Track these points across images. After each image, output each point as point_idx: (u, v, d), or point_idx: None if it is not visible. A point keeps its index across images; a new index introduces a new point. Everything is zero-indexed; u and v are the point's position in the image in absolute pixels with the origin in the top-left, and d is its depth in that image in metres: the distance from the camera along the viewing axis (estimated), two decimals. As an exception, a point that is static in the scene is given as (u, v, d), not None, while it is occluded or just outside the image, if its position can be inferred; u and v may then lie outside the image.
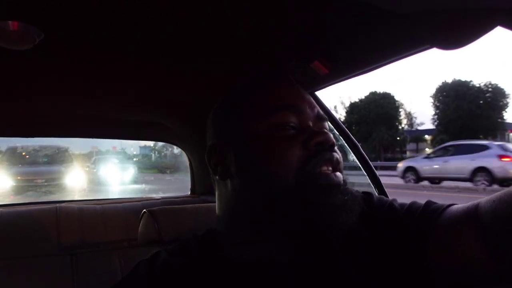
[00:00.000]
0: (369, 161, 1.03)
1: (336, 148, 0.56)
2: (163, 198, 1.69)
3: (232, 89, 0.64)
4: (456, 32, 0.58)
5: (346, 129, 1.03)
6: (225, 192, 0.59)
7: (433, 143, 26.87)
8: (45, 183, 7.89)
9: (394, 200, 0.63)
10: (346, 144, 1.03)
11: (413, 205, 0.59)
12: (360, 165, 1.03)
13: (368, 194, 0.65)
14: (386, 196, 1.05)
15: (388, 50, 0.74)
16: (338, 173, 0.54)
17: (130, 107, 1.32)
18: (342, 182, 0.54)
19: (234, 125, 0.59)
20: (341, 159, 0.56)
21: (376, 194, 1.06)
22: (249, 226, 0.57)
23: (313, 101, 0.60)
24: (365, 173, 1.03)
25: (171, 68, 0.93)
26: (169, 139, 1.80)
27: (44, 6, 0.60)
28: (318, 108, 0.60)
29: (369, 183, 1.03)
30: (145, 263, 0.55)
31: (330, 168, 0.54)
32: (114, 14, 0.63)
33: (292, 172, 0.52)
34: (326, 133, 0.55)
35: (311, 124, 0.57)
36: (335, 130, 1.03)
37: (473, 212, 0.51)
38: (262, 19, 0.67)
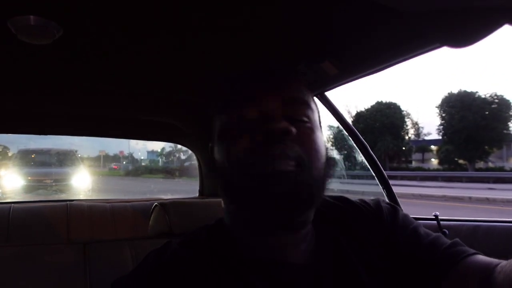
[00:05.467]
0: (378, 162, 1.04)
1: (297, 136, 0.52)
2: (171, 199, 1.70)
3: (212, 89, 0.65)
4: (465, 30, 0.59)
5: (356, 130, 1.04)
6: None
7: (438, 154, 26.75)
8: (54, 183, 8.33)
9: (418, 224, 0.61)
10: (355, 145, 1.04)
11: (438, 239, 0.58)
12: (368, 166, 1.04)
13: (393, 207, 0.64)
14: (395, 196, 1.05)
15: (397, 49, 0.75)
16: (282, 161, 0.50)
17: (142, 107, 1.33)
18: (284, 170, 0.49)
19: (212, 124, 0.61)
20: (304, 148, 0.52)
21: (385, 193, 1.07)
22: (235, 223, 0.58)
23: (283, 86, 0.57)
24: (374, 174, 1.03)
25: (182, 70, 0.94)
26: (179, 140, 1.81)
27: (64, 2, 0.62)
28: (288, 92, 0.56)
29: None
30: (155, 253, 0.56)
31: (278, 161, 0.50)
32: (130, 14, 0.65)
33: (235, 169, 0.52)
34: (276, 121, 0.51)
35: (274, 111, 0.53)
36: (344, 131, 1.04)
37: (489, 272, 0.49)
38: (272, 20, 0.68)
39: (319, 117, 0.61)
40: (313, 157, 0.53)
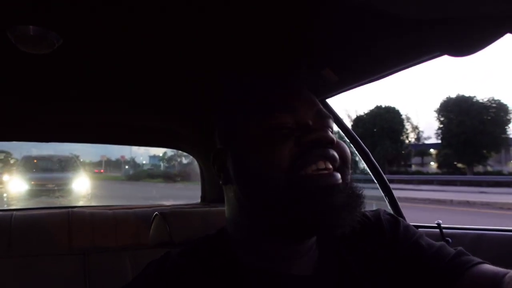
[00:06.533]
0: (379, 168, 1.04)
1: (336, 145, 0.53)
2: (173, 205, 1.69)
3: (232, 90, 0.66)
4: (466, 39, 0.59)
5: (357, 136, 1.04)
6: (229, 196, 0.60)
7: (437, 157, 26.86)
8: (56, 188, 9.02)
9: (421, 235, 0.61)
10: (356, 152, 1.04)
11: (442, 249, 0.57)
12: (370, 173, 1.04)
13: (395, 219, 0.63)
14: (396, 203, 1.05)
15: (398, 57, 0.75)
16: (335, 173, 0.51)
17: (143, 113, 1.33)
18: (337, 182, 0.51)
19: (232, 127, 0.59)
20: (342, 156, 0.53)
21: (387, 200, 1.06)
22: (250, 231, 0.57)
23: (314, 99, 0.59)
24: (375, 180, 1.03)
25: (184, 76, 0.94)
26: (181, 146, 1.81)
27: (64, 12, 0.61)
28: (320, 106, 0.58)
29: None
30: (155, 264, 0.56)
31: (328, 166, 0.51)
32: (129, 21, 0.65)
33: (282, 173, 0.50)
34: (321, 130, 0.53)
35: (310, 122, 0.54)
36: (345, 138, 1.04)
37: (497, 283, 0.49)
38: (273, 26, 0.69)
39: None
40: (348, 163, 0.55)
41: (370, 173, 1.03)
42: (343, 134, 1.04)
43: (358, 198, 0.52)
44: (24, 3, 0.59)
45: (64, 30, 0.68)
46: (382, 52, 0.75)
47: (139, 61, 0.84)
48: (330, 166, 0.51)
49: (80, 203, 8.13)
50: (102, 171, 22.83)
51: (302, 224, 0.50)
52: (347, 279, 0.54)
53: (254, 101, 0.58)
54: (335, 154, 0.52)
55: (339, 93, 0.93)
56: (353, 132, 1.04)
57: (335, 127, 1.02)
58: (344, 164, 0.53)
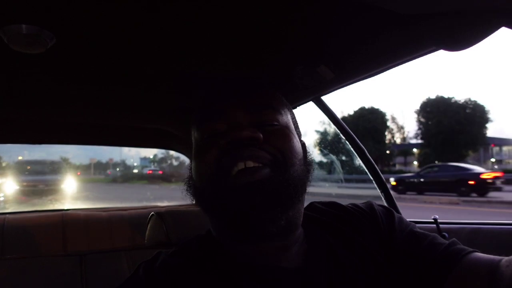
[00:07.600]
0: (375, 165, 1.04)
1: (266, 141, 0.53)
2: (168, 206, 1.68)
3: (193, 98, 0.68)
4: (462, 33, 0.60)
5: (352, 133, 1.04)
6: None
7: (419, 157, 27.53)
8: (45, 188, 10.26)
9: (414, 225, 0.62)
10: (352, 148, 1.04)
11: (435, 239, 0.58)
12: (365, 169, 1.04)
13: (388, 210, 0.64)
14: (393, 199, 1.06)
15: (394, 53, 0.75)
16: (261, 169, 0.51)
17: (137, 114, 1.32)
18: (257, 179, 0.50)
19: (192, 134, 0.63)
20: (276, 151, 0.53)
21: (383, 196, 1.07)
22: (217, 232, 0.59)
23: (247, 96, 0.59)
24: (371, 177, 1.04)
25: (178, 76, 0.93)
26: (175, 147, 1.80)
27: (57, 10, 0.60)
28: (254, 101, 0.58)
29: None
30: (145, 265, 0.56)
31: (250, 165, 0.51)
32: (123, 21, 0.64)
33: (209, 178, 0.54)
34: (239, 130, 0.52)
35: (244, 121, 0.55)
36: (341, 135, 1.04)
37: (494, 268, 0.50)
38: (268, 23, 0.68)
39: (293, 120, 0.62)
40: (288, 153, 0.54)
41: (366, 170, 1.04)
42: (339, 132, 1.04)
43: (288, 191, 0.52)
44: (17, 1, 0.57)
45: (57, 28, 0.66)
46: (377, 47, 0.75)
47: (133, 62, 0.83)
48: (253, 165, 0.51)
49: (67, 203, 9.24)
50: (78, 173, 22.84)
51: (233, 225, 0.53)
52: (335, 270, 0.55)
53: (197, 110, 0.62)
54: (256, 152, 0.52)
55: (335, 89, 0.94)
56: (348, 129, 1.04)
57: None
58: (276, 159, 0.53)
